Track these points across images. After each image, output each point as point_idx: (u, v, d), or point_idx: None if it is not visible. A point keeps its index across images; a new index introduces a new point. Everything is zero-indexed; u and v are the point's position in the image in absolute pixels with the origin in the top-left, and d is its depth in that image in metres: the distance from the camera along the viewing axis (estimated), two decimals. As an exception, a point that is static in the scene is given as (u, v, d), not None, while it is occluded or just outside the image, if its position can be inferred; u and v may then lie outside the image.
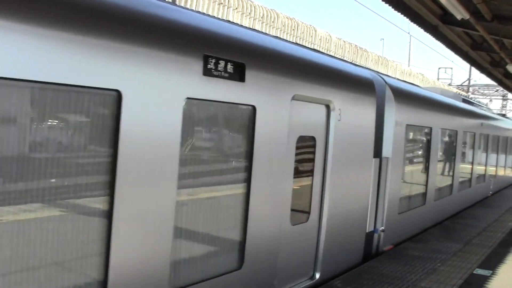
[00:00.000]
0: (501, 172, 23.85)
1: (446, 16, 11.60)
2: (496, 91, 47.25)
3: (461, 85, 46.18)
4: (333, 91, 7.57)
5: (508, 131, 25.42)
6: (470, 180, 17.38)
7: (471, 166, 17.30)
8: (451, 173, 14.91)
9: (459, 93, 21.30)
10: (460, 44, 14.22)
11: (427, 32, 12.25)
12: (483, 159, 19.45)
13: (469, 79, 46.36)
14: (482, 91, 47.85)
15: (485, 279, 8.80)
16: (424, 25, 11.86)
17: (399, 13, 10.83)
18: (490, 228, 13.60)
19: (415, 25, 11.85)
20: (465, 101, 17.41)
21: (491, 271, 9.28)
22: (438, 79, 44.11)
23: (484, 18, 10.72)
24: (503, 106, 54.02)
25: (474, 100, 21.76)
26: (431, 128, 12.35)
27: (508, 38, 12.26)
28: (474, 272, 9.18)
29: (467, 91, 45.18)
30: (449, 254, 10.38)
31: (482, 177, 19.61)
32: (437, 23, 11.94)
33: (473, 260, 10.06)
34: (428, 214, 13.07)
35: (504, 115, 30.16)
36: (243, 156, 5.84)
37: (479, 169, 18.90)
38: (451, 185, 14.95)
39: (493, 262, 9.99)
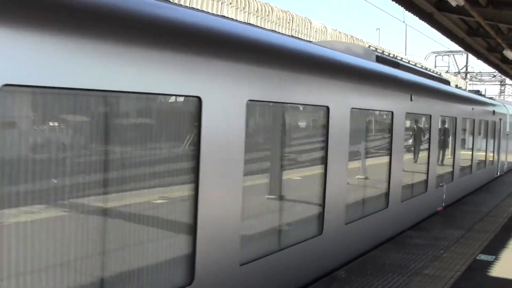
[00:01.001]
0: (461, 174, 16.38)
1: (440, 3, 11.58)
2: (493, 76, 47.29)
3: (458, 72, 46.18)
4: None
5: (476, 113, 17.60)
6: (385, 196, 10.35)
7: (387, 175, 10.45)
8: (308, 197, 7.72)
9: (376, 49, 12.25)
10: (455, 31, 14.19)
11: (423, 20, 12.23)
12: (422, 157, 12.75)
13: (466, 66, 46.34)
14: (479, 77, 47.89)
15: (489, 264, 8.83)
16: (419, 13, 11.83)
17: (394, 2, 10.81)
18: (491, 214, 13.63)
19: (410, 13, 11.83)
20: (381, 60, 10.96)
21: (494, 256, 9.31)
22: (435, 66, 44.13)
23: (479, 4, 10.69)
24: (501, 92, 54.09)
25: (404, 61, 13.79)
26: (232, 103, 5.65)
27: (504, 23, 12.23)
28: (477, 257, 9.21)
29: (465, 78, 45.18)
30: (451, 241, 10.40)
31: (422, 185, 12.72)
32: (432, 11, 11.92)
33: (475, 246, 10.09)
34: None
35: (478, 92, 22.93)
36: None
37: (413, 176, 12.19)
38: (321, 219, 7.81)
39: (495, 247, 10.02)
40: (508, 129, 24.83)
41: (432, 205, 13.52)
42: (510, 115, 24.95)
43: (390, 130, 10.37)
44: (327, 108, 7.62)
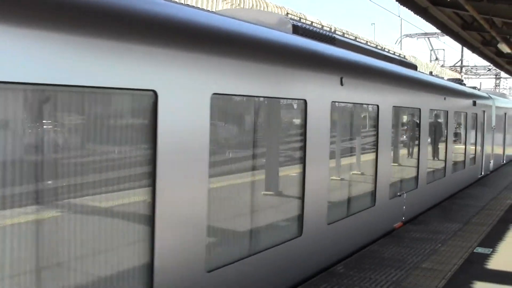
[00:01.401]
0: (430, 178, 13.45)
1: (435, -3, 11.62)
2: (489, 70, 47.43)
3: (453, 65, 46.30)
4: None
5: (449, 103, 14.80)
6: (298, 220, 7.40)
7: (299, 191, 7.43)
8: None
9: (300, 19, 9.11)
10: (450, 25, 14.23)
11: (418, 15, 12.26)
12: (366, 162, 9.78)
13: (461, 60, 46.46)
14: (474, 71, 48.01)
15: (486, 257, 8.88)
16: (414, 7, 11.87)
17: (389, -3, 10.82)
18: (488, 207, 13.69)
19: (405, 8, 11.86)
20: (302, 31, 8.12)
21: (491, 249, 9.36)
22: (430, 61, 44.21)
23: (473, -2, 10.74)
24: (496, 85, 54.26)
25: (349, 37, 10.12)
26: None
27: (499, 17, 12.28)
28: (475, 250, 9.26)
29: (460, 72, 45.29)
30: (449, 234, 10.45)
31: (366, 198, 9.72)
32: (427, 5, 11.95)
33: (473, 239, 10.14)
34: None
35: (458, 80, 20.20)
36: None
37: (351, 187, 9.14)
38: (149, 271, 4.94)
39: (493, 240, 10.07)
40: (494, 123, 21.71)
41: (384, 222, 10.46)
42: (497, 107, 22.15)
43: (303, 126, 7.34)
44: (154, 94, 4.77)
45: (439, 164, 14.43)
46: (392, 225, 10.95)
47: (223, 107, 5.86)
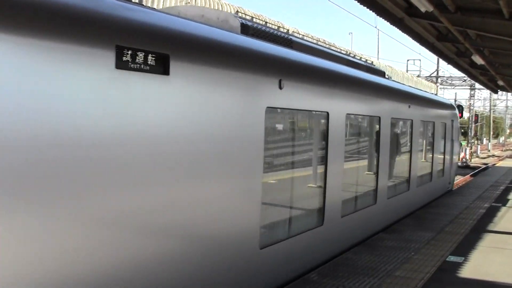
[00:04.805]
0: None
1: (411, 9, 11.77)
2: (464, 81, 48.16)
3: (429, 76, 46.93)
4: None
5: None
6: None
7: None
8: None
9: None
10: (426, 36, 14.43)
11: (393, 25, 12.40)
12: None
13: (437, 70, 47.11)
14: (450, 82, 48.69)
15: (458, 265, 8.99)
16: (390, 18, 12.00)
17: (365, 7, 10.95)
18: (461, 216, 13.86)
19: (381, 19, 12.00)
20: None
21: (463, 258, 9.47)
22: (407, 71, 44.74)
23: (447, 10, 10.90)
24: (471, 96, 55.13)
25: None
26: None
27: (472, 29, 12.49)
28: (447, 259, 9.37)
29: (436, 82, 45.91)
30: (422, 243, 10.56)
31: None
32: (403, 16, 12.10)
33: (446, 247, 10.26)
34: None
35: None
36: None
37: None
38: None
39: (465, 248, 10.20)
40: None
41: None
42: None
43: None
44: None
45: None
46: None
47: None
